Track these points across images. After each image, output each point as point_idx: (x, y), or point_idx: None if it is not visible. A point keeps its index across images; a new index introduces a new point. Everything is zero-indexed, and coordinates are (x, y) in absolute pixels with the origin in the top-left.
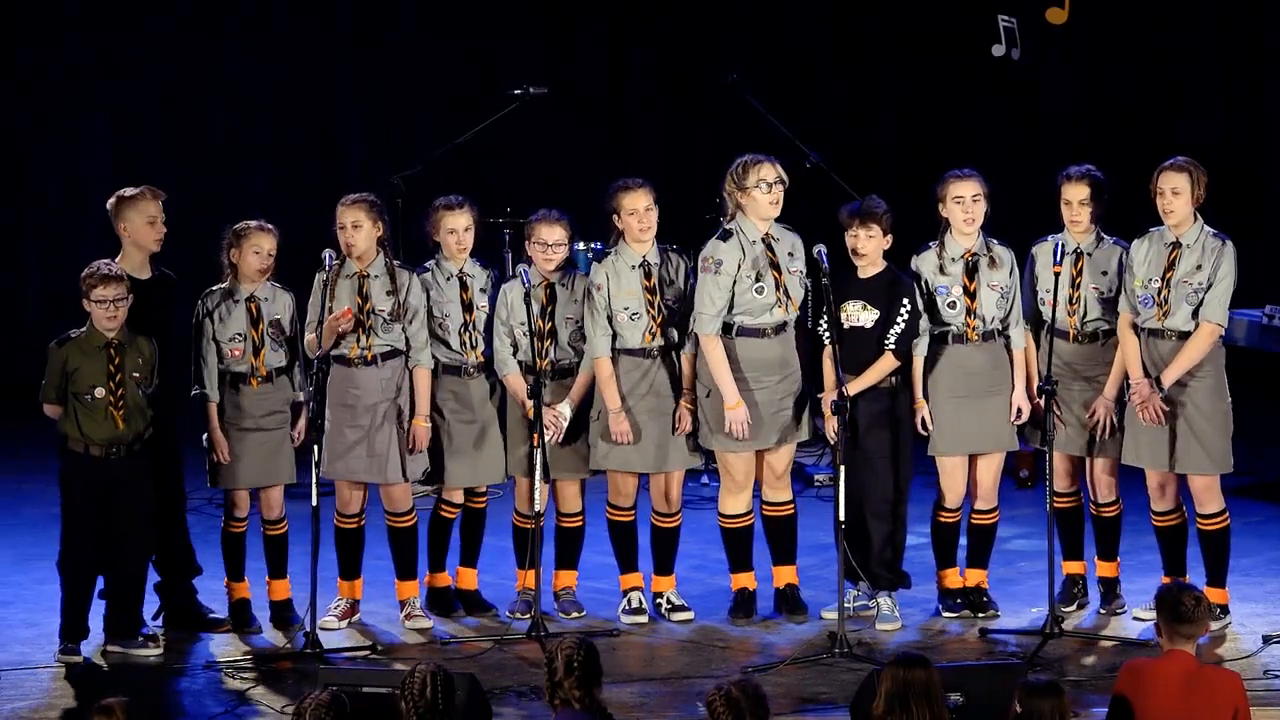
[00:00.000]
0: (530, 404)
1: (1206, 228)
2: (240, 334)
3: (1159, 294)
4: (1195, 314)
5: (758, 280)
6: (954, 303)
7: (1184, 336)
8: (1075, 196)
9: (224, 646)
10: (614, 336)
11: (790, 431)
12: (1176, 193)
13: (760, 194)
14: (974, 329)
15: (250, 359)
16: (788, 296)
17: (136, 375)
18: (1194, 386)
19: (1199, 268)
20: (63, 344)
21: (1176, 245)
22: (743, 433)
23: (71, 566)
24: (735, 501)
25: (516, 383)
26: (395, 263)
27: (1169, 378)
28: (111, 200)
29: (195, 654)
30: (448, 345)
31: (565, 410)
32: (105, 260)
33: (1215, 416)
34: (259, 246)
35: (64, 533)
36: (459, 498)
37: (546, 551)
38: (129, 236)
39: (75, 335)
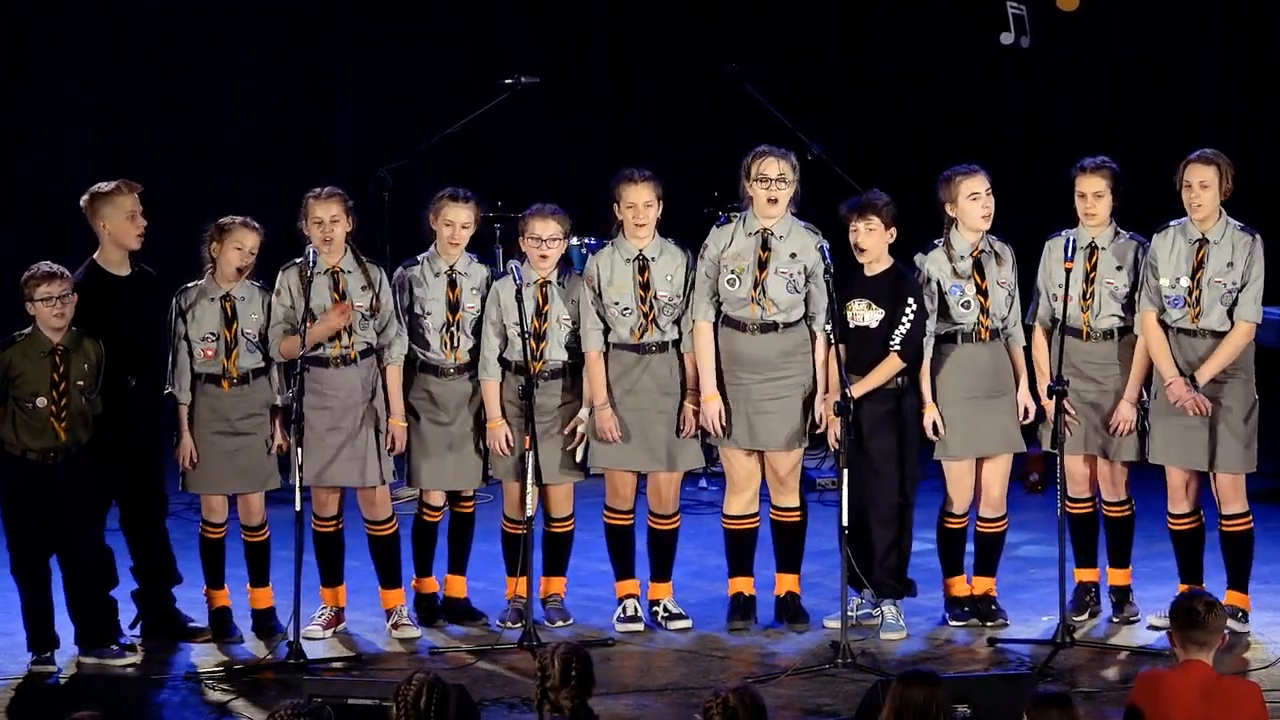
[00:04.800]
0: (498, 421)
1: (1232, 222)
2: (213, 333)
3: (1190, 294)
4: (1230, 313)
5: (731, 271)
6: (968, 302)
7: (1217, 335)
8: (1090, 189)
9: (204, 657)
10: (607, 331)
11: (785, 439)
12: (1205, 186)
13: (759, 188)
14: (986, 328)
15: (222, 360)
16: (764, 294)
17: (81, 383)
18: (1226, 384)
19: (1230, 265)
20: (6, 346)
21: (1204, 242)
22: (715, 428)
23: (23, 573)
24: (736, 502)
25: (492, 391)
26: (365, 257)
27: (1204, 375)
28: (85, 197)
29: (174, 664)
30: (427, 344)
31: (586, 415)
32: (45, 261)
33: (1245, 414)
34: (241, 243)
35: (9, 540)
36: (438, 500)
37: (536, 558)
38: (108, 234)
39: (19, 337)
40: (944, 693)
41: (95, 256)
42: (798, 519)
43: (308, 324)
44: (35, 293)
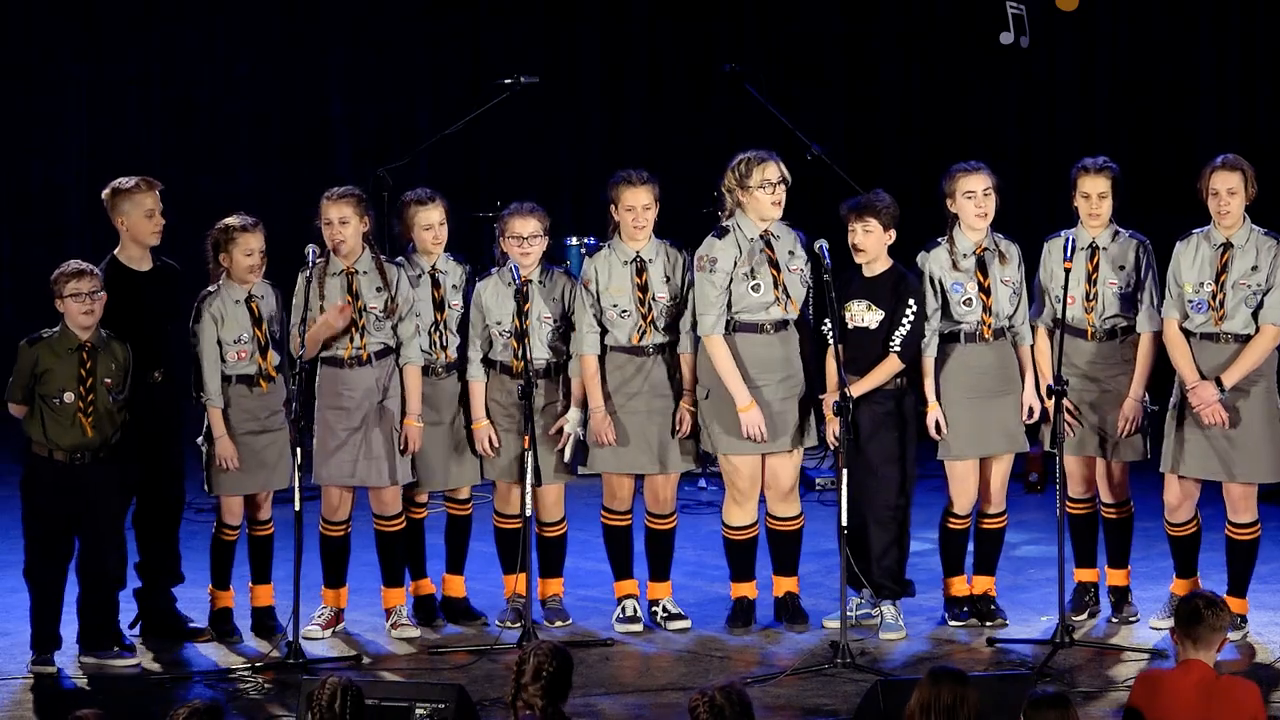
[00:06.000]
0: (483, 421)
1: (1255, 227)
2: (246, 335)
3: (1214, 297)
4: (1254, 317)
5: (754, 278)
6: (969, 300)
7: (1240, 339)
8: (1095, 190)
9: (204, 656)
10: (604, 334)
11: (793, 437)
12: (1233, 192)
13: (763, 194)
14: (989, 326)
15: (259, 360)
16: (787, 295)
17: (108, 381)
18: (1249, 393)
19: (1254, 269)
20: (34, 343)
21: (1228, 246)
22: (759, 435)
23: (36, 575)
24: (740, 513)
25: (478, 391)
26: (383, 258)
27: (1231, 379)
28: (106, 192)
29: (175, 665)
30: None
31: (574, 417)
32: (74, 259)
33: (1269, 422)
34: (249, 247)
35: (27, 541)
36: (423, 497)
37: (533, 558)
38: (127, 230)
39: (47, 335)
40: (975, 692)
41: (115, 253)
42: (798, 527)
43: (307, 325)
44: (64, 289)
